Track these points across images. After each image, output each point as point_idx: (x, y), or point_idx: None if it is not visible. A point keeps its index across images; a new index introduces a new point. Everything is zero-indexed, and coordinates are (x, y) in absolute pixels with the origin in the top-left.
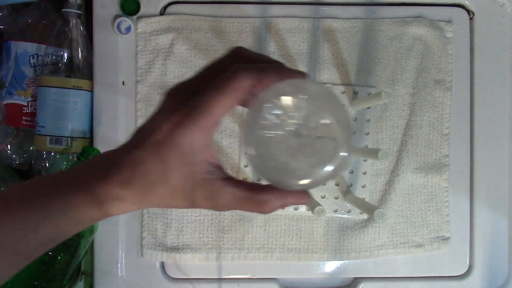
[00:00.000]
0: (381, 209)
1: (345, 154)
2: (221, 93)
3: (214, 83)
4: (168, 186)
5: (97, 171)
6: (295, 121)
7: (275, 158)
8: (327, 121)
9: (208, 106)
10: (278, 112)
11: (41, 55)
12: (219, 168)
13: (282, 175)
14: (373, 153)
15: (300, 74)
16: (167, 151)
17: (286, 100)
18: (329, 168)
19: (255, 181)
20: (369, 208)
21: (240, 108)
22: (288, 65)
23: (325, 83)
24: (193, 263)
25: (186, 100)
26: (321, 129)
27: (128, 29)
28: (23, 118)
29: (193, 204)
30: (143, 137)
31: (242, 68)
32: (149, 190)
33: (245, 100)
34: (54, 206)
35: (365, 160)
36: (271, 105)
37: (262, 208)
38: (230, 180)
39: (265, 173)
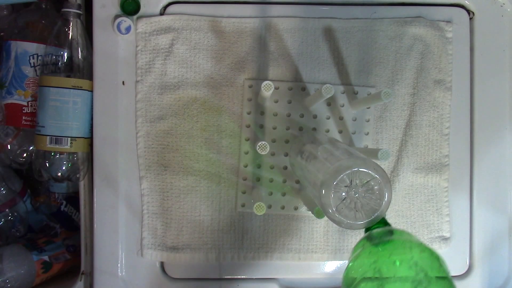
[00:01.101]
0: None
1: (386, 199)
2: None
3: None
4: None
5: None
6: (360, 191)
7: (347, 213)
8: (377, 188)
9: None
10: (345, 188)
11: (41, 55)
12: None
13: (351, 223)
14: (373, 153)
15: None
16: None
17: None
18: (383, 201)
19: (255, 181)
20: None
21: (240, 108)
22: (288, 65)
23: (325, 83)
24: (193, 263)
25: None
26: (373, 193)
27: (128, 29)
28: (23, 118)
29: None
30: None
31: None
32: None
33: None
34: None
35: None
36: (345, 185)
37: None
38: None
39: (339, 222)
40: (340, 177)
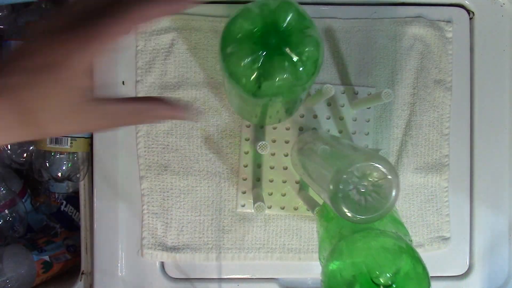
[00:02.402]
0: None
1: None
2: (119, 20)
3: (112, 10)
4: (53, 112)
5: None
6: (368, 186)
7: (351, 204)
8: (385, 188)
9: (105, 31)
10: (356, 179)
11: None
12: (100, 88)
13: (352, 215)
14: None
15: None
16: (54, 74)
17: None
18: (387, 203)
19: (255, 181)
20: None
21: None
22: None
23: (325, 83)
24: (193, 263)
25: (82, 21)
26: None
27: None
28: None
29: (84, 126)
30: (20, 60)
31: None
32: (28, 120)
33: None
34: None
35: None
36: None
37: (153, 116)
38: (112, 99)
39: (339, 210)
40: (356, 166)
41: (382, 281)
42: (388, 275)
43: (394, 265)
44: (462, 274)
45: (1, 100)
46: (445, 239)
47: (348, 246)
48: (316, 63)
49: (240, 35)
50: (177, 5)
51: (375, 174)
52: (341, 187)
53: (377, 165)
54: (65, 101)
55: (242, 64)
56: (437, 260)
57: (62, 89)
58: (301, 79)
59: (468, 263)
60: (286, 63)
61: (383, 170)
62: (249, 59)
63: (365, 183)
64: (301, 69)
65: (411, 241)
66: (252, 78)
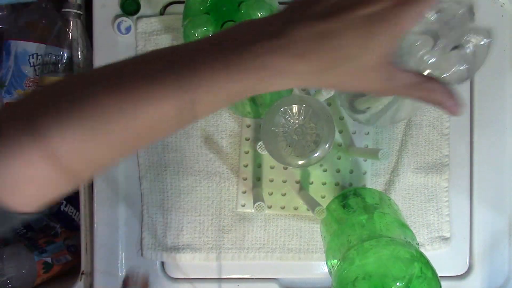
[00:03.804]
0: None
1: (326, 146)
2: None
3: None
4: (357, 64)
5: (263, 41)
6: (296, 122)
7: (281, 146)
8: (316, 124)
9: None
10: (286, 115)
11: (41, 55)
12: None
13: (286, 157)
14: (373, 153)
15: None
16: (369, 28)
17: (293, 107)
18: (316, 154)
19: (255, 181)
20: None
21: None
22: None
23: None
24: (193, 263)
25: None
26: (312, 128)
27: (128, 29)
28: None
29: (369, 83)
30: (337, 10)
31: None
32: (330, 67)
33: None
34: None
35: (365, 160)
36: (282, 110)
37: (429, 94)
38: (401, 68)
39: (275, 156)
40: (289, 104)
41: None
42: (400, 284)
43: (407, 274)
44: (462, 274)
45: (303, 44)
46: (445, 239)
47: (359, 254)
48: None
49: (193, 7)
50: None
51: (310, 119)
52: (273, 121)
53: (311, 106)
54: (379, 55)
55: (196, 34)
56: (437, 260)
57: (372, 55)
58: None
59: (468, 263)
60: None
61: (318, 117)
62: (203, 28)
63: (296, 121)
64: None
65: (417, 244)
66: None
